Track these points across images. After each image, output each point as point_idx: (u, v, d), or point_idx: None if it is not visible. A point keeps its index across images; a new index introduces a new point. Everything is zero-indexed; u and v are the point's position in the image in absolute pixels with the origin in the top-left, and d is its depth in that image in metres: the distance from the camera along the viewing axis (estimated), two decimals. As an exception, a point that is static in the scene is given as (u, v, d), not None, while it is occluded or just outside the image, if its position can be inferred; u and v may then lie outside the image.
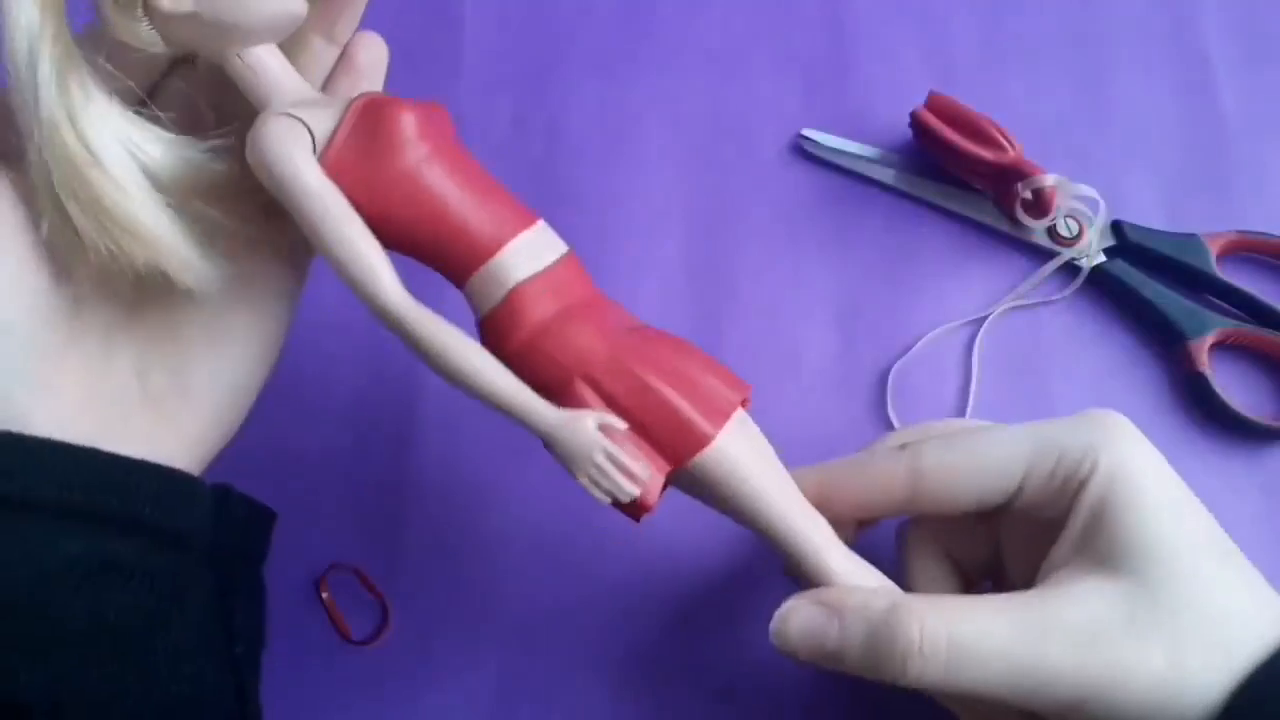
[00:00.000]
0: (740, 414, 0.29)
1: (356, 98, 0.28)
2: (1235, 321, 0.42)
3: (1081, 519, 0.29)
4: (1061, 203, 0.42)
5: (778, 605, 0.30)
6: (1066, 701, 0.28)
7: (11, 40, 0.24)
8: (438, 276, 0.29)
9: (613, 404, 0.28)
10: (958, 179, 0.45)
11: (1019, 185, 0.42)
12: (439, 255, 0.28)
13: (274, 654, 0.31)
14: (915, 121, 0.44)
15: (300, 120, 0.27)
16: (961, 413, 0.42)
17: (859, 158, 0.45)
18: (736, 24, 0.48)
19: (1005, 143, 0.42)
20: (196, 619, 0.28)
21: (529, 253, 0.28)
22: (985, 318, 0.43)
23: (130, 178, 0.26)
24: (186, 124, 0.28)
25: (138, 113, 0.27)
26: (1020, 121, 0.43)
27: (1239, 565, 0.29)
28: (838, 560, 0.30)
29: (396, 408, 0.41)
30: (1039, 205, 0.42)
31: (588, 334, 0.28)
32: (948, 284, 0.44)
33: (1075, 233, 0.44)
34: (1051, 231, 0.44)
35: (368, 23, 0.32)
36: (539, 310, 0.28)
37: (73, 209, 0.25)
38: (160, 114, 0.27)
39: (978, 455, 0.31)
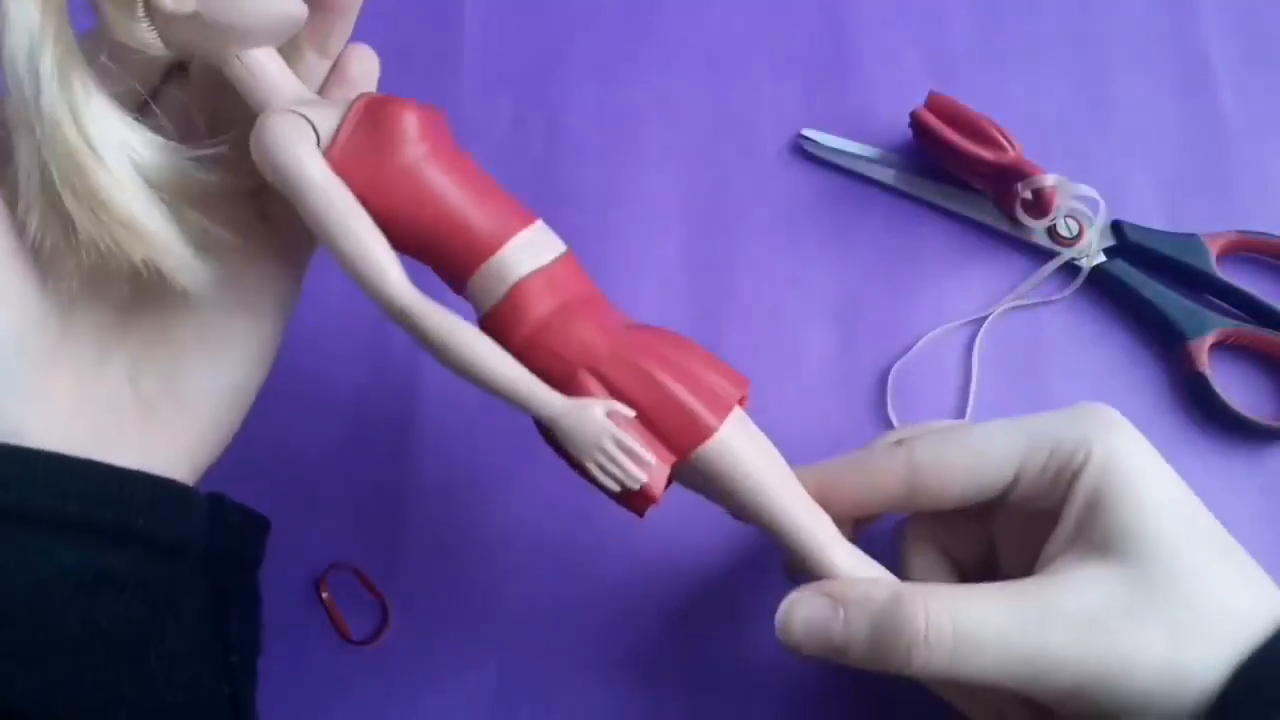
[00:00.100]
0: (739, 412, 0.29)
1: (358, 97, 0.28)
2: (1235, 321, 0.42)
3: (1077, 509, 0.29)
4: (1061, 203, 0.42)
5: (778, 605, 0.30)
6: (1067, 688, 0.28)
7: (11, 39, 0.24)
8: (438, 281, 0.29)
9: (617, 395, 0.28)
10: (958, 179, 0.45)
11: (1019, 185, 0.42)
12: (441, 253, 0.28)
13: (274, 654, 0.31)
14: (915, 121, 0.44)
15: (304, 117, 0.27)
16: (962, 413, 0.42)
17: (859, 158, 0.45)
18: (736, 24, 0.48)
19: (1005, 143, 0.42)
20: (191, 627, 0.28)
21: (530, 250, 0.28)
22: (985, 318, 0.43)
23: (128, 175, 0.26)
24: (181, 132, 0.28)
25: (135, 118, 0.27)
26: (1020, 121, 0.43)
27: (1233, 551, 0.29)
28: (842, 555, 0.30)
29: (396, 408, 0.41)
30: (1039, 205, 0.42)
31: (589, 328, 0.28)
32: (948, 284, 0.44)
33: (1075, 233, 0.44)
34: (1051, 231, 0.44)
35: (367, 22, 0.32)
36: (541, 306, 0.28)
37: (71, 205, 0.25)
38: (161, 119, 0.27)
39: (972, 448, 0.31)
